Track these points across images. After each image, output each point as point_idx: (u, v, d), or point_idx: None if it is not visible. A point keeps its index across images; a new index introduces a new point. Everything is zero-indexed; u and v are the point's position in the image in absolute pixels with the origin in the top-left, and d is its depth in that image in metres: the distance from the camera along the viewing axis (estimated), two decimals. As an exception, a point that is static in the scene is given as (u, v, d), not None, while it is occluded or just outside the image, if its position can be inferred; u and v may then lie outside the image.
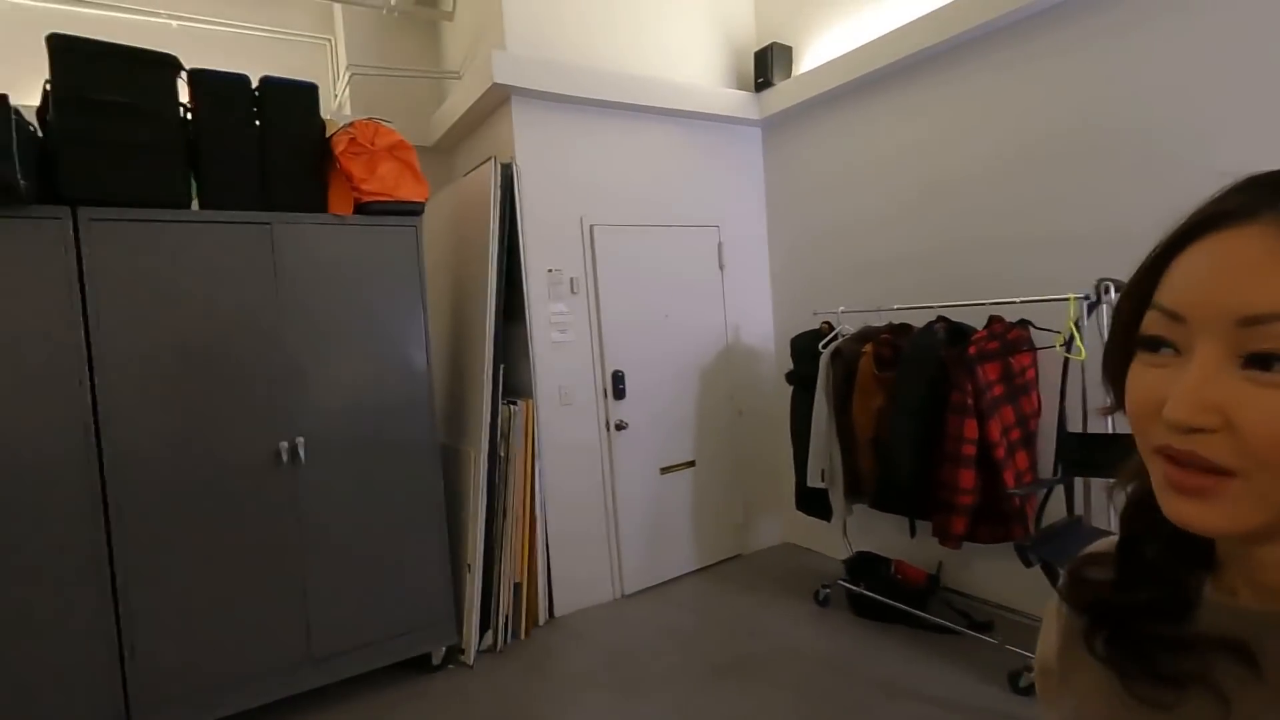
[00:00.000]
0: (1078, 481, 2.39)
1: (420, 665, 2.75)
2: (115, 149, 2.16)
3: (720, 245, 3.70)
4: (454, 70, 3.67)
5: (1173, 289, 0.39)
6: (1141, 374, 0.41)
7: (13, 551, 2.04)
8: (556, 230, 3.17)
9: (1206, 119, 2.19)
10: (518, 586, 2.97)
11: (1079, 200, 2.53)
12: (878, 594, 2.89)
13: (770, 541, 3.92)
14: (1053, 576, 2.17)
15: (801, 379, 3.12)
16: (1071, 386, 2.35)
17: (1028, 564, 2.16)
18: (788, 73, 3.64)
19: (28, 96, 2.24)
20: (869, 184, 3.31)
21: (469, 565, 2.83)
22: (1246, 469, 0.36)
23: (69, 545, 2.11)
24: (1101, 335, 2.21)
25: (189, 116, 2.33)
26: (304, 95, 2.51)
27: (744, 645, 2.83)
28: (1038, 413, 2.61)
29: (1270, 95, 2.05)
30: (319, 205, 2.53)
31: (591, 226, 3.26)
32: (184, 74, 2.31)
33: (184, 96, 2.33)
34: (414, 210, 2.66)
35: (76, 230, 2.12)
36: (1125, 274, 0.45)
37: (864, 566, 3.12)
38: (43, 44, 2.10)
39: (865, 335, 2.92)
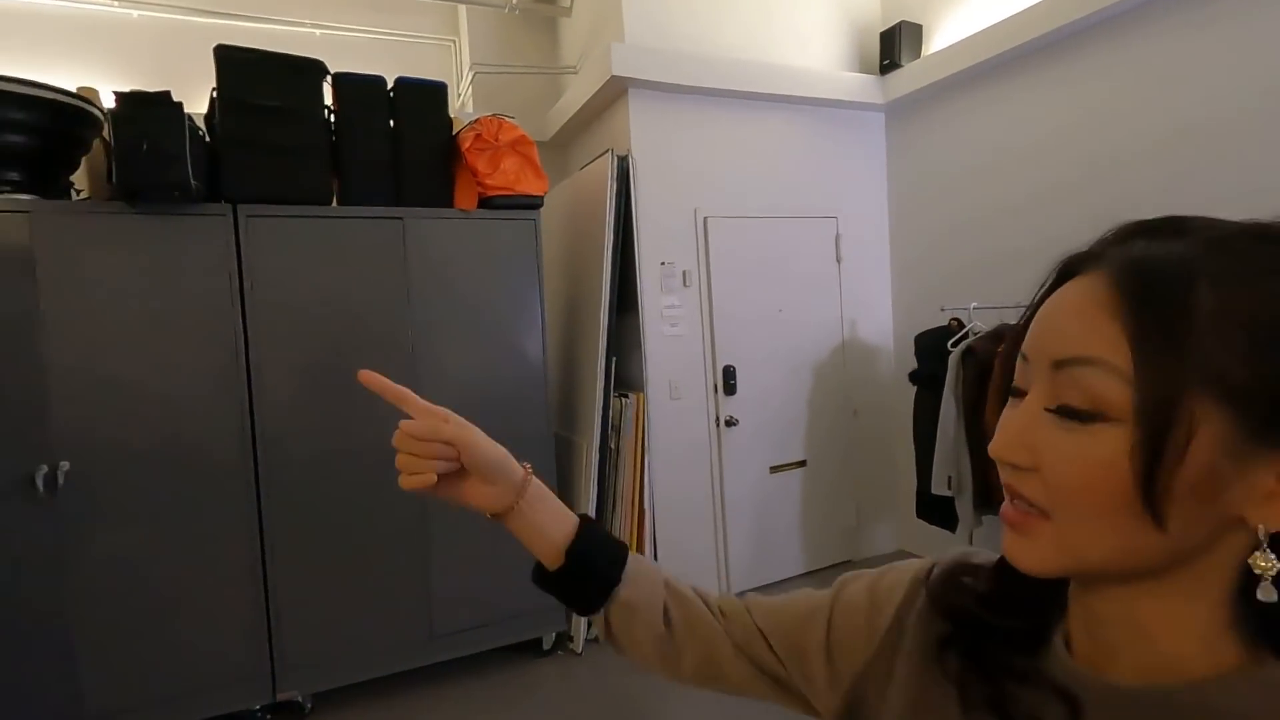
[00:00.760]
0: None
1: (532, 649, 2.82)
2: (270, 150, 2.33)
3: (838, 237, 3.54)
4: (571, 65, 3.71)
5: (1029, 334, 0.40)
6: (1004, 414, 0.41)
7: (178, 511, 2.26)
8: (670, 223, 3.15)
9: None
10: (625, 578, 2.98)
11: (1272, 175, 2.21)
12: (1009, 613, 2.68)
13: (884, 548, 3.74)
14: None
15: (927, 379, 2.94)
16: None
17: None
18: (917, 53, 3.42)
19: (198, 105, 2.46)
20: (1010, 168, 3.06)
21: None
22: (1053, 510, 0.37)
23: (225, 514, 2.31)
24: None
25: (332, 118, 2.48)
26: (434, 94, 2.61)
27: (858, 656, 2.70)
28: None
29: None
30: (446, 200, 2.63)
31: (705, 219, 3.20)
32: (329, 78, 2.46)
33: (329, 99, 2.48)
34: (534, 204, 2.71)
35: (237, 226, 2.31)
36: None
37: (992, 582, 2.90)
38: (210, 56, 2.30)
39: (1002, 334, 2.70)
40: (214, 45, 2.30)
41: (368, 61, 2.67)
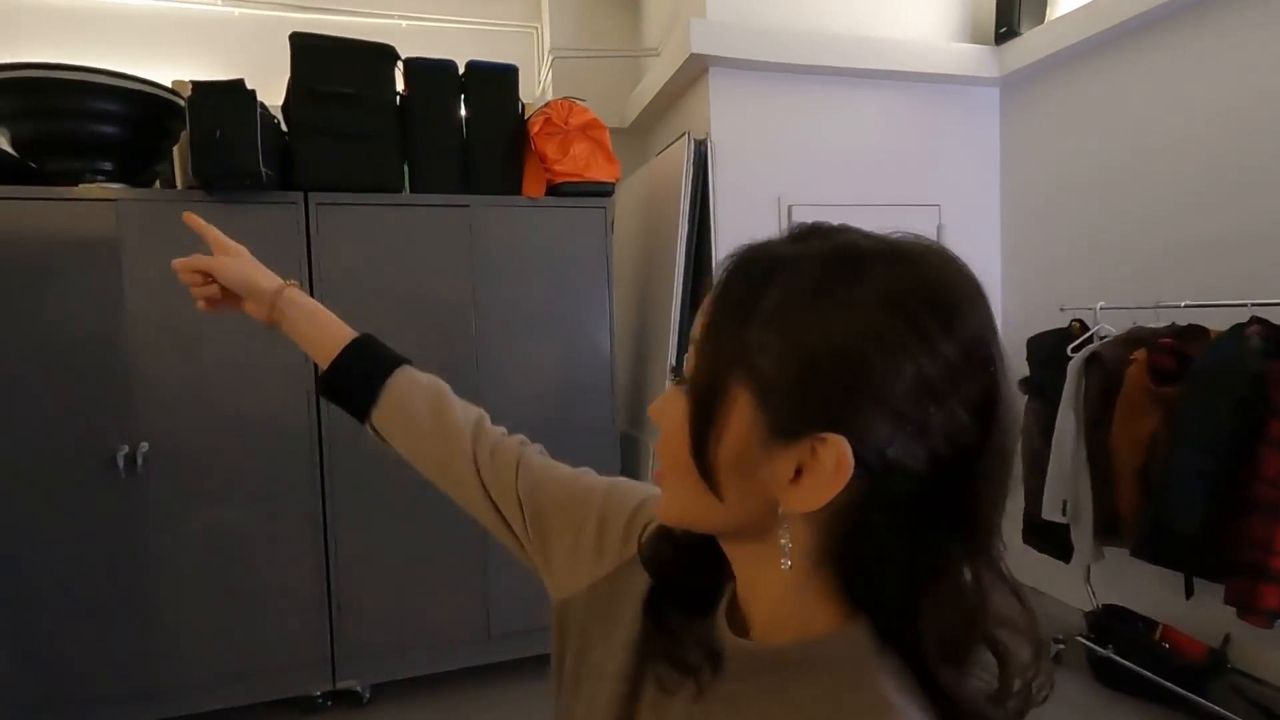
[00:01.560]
0: None
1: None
2: (340, 137, 2.31)
3: (940, 228, 3.21)
4: (653, 47, 3.55)
5: None
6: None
7: (249, 496, 2.30)
8: (751, 211, 2.93)
9: None
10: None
11: None
12: (1135, 663, 2.31)
13: (983, 572, 3.37)
14: None
15: (1040, 387, 2.59)
16: None
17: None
18: (1040, 17, 3.03)
19: (279, 96, 2.48)
20: (1151, 153, 2.63)
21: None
22: (665, 460, 0.42)
23: (292, 501, 2.33)
24: None
25: (402, 104, 2.44)
26: (504, 78, 2.52)
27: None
28: None
29: None
30: (514, 187, 2.54)
31: (790, 207, 2.97)
32: (400, 63, 2.42)
33: (401, 85, 2.44)
34: (604, 191, 2.58)
35: (307, 214, 2.31)
36: None
37: (1115, 625, 2.52)
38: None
39: (1136, 339, 2.32)
40: (289, 34, 2.30)
41: (451, 51, 2.60)
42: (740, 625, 0.44)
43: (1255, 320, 2.06)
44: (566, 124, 2.50)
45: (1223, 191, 2.40)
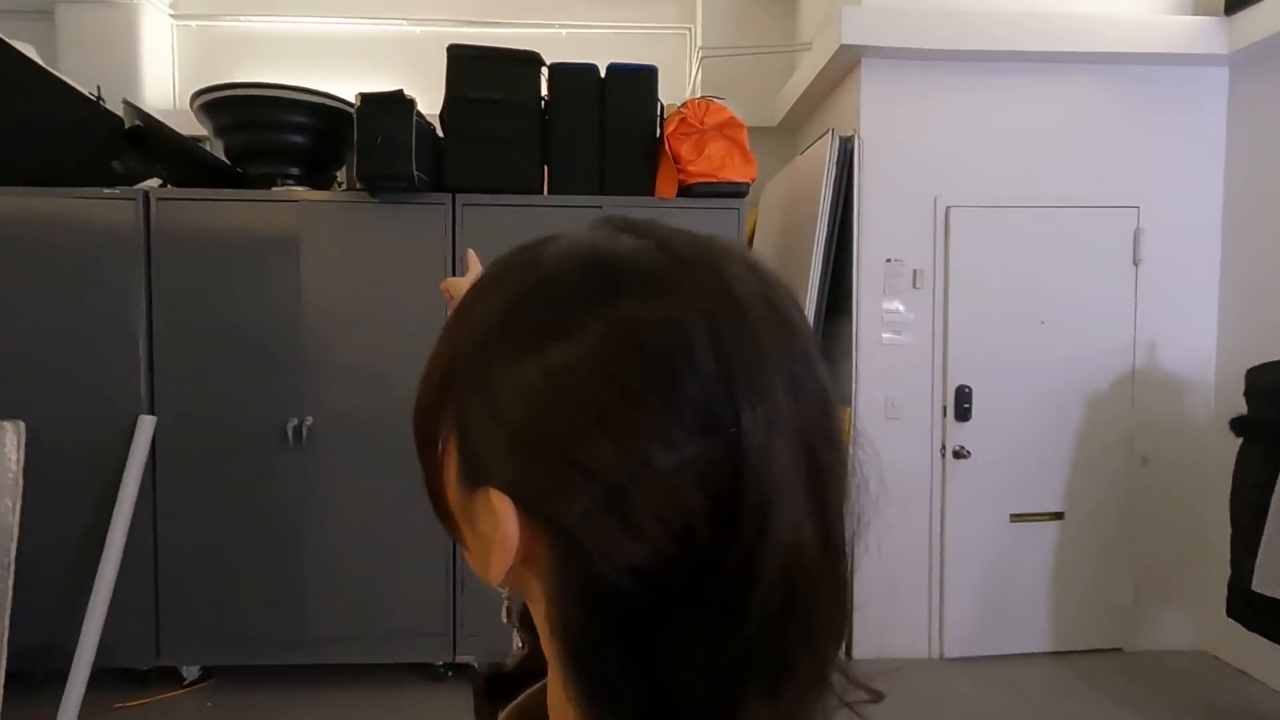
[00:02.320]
0: None
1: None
2: (487, 141, 2.44)
3: (1138, 232, 2.74)
4: (807, 41, 3.39)
5: None
6: None
7: (395, 473, 2.50)
8: (901, 213, 2.69)
9: None
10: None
11: None
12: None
13: (1175, 643, 2.84)
14: None
15: (1261, 429, 2.12)
16: None
17: None
18: (1290, -21, 2.48)
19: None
20: None
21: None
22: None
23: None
24: None
25: (545, 108, 2.53)
26: (643, 79, 2.52)
27: (1110, 783, 2.06)
28: None
29: None
30: (647, 188, 2.53)
31: (948, 209, 2.69)
32: (544, 69, 2.50)
33: (545, 91, 2.53)
34: (738, 191, 2.50)
35: (454, 214, 2.46)
36: None
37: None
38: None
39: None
40: (447, 45, 2.47)
41: (608, 56, 2.66)
42: None
43: None
44: (702, 123, 2.45)
45: None
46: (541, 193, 2.55)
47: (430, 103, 2.48)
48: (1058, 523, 2.79)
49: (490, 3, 3.75)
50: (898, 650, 2.74)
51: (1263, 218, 2.62)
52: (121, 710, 2.35)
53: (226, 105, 2.45)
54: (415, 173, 2.31)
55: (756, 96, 3.53)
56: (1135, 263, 2.75)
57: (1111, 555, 2.80)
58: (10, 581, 2.16)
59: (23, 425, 2.25)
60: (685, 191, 2.48)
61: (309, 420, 2.45)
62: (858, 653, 2.73)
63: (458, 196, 2.46)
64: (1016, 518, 2.77)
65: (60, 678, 2.19)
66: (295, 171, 2.56)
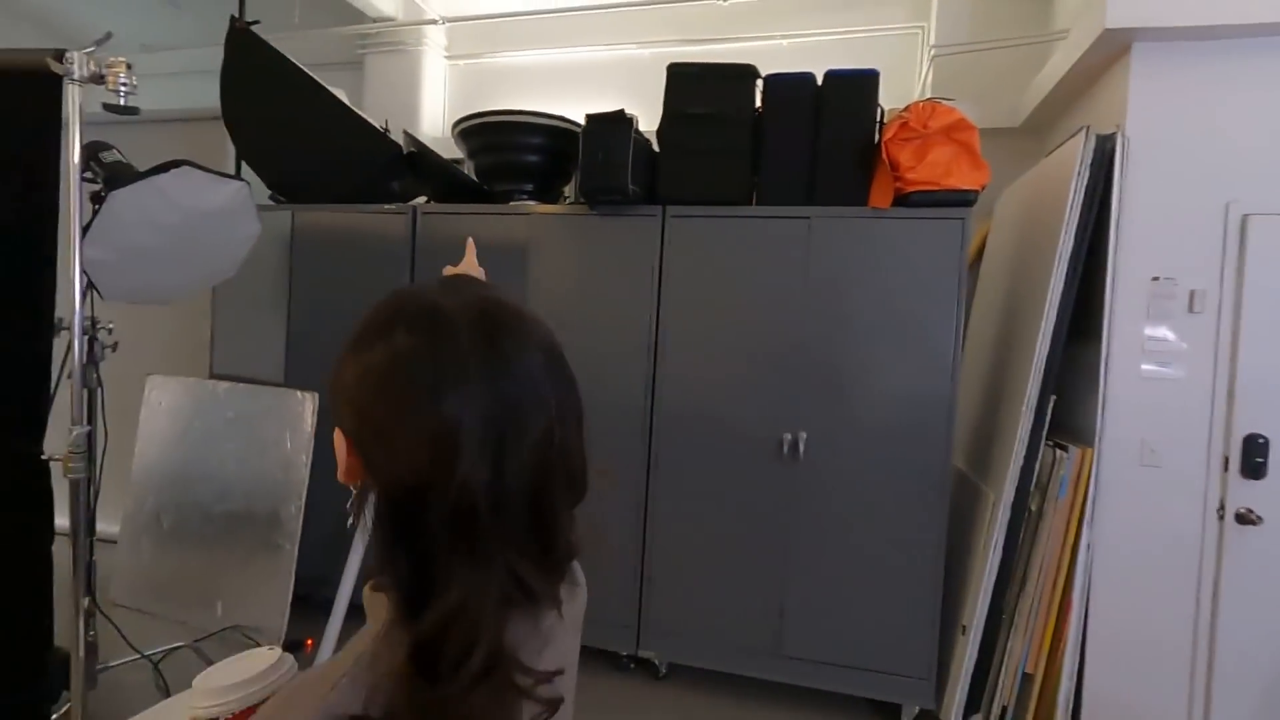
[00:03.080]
0: None
1: (889, 714, 2.45)
2: (699, 154, 2.51)
3: None
4: (1060, 30, 2.99)
5: None
6: None
7: (598, 459, 2.66)
8: (1176, 223, 2.26)
9: None
10: (1027, 677, 2.32)
11: None
12: None
13: None
14: None
15: None
16: None
17: None
18: None
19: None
20: None
21: (964, 627, 2.35)
22: None
23: (628, 478, 2.63)
24: None
25: (758, 120, 2.53)
26: (861, 85, 2.42)
27: None
28: None
29: None
30: (859, 198, 2.42)
31: (1244, 217, 2.20)
32: (759, 81, 2.51)
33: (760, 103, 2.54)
34: (963, 200, 2.29)
35: (664, 225, 2.57)
36: None
37: None
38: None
39: None
40: (668, 64, 2.59)
41: (830, 63, 2.59)
42: None
43: None
44: (925, 127, 2.28)
45: None
46: (750, 203, 2.56)
47: (653, 119, 2.62)
48: (1398, 625, 2.13)
49: (714, 20, 3.84)
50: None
51: None
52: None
53: (477, 131, 2.82)
54: (630, 186, 2.45)
55: (996, 96, 3.20)
56: None
57: None
58: (300, 521, 2.68)
59: (317, 396, 2.79)
60: (902, 201, 2.32)
61: (526, 411, 2.72)
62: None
63: (668, 208, 2.56)
64: (1329, 609, 2.17)
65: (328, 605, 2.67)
66: (529, 188, 2.85)
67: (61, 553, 1.67)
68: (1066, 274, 2.27)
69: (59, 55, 1.49)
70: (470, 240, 1.01)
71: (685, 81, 2.53)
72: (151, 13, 4.31)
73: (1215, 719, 2.23)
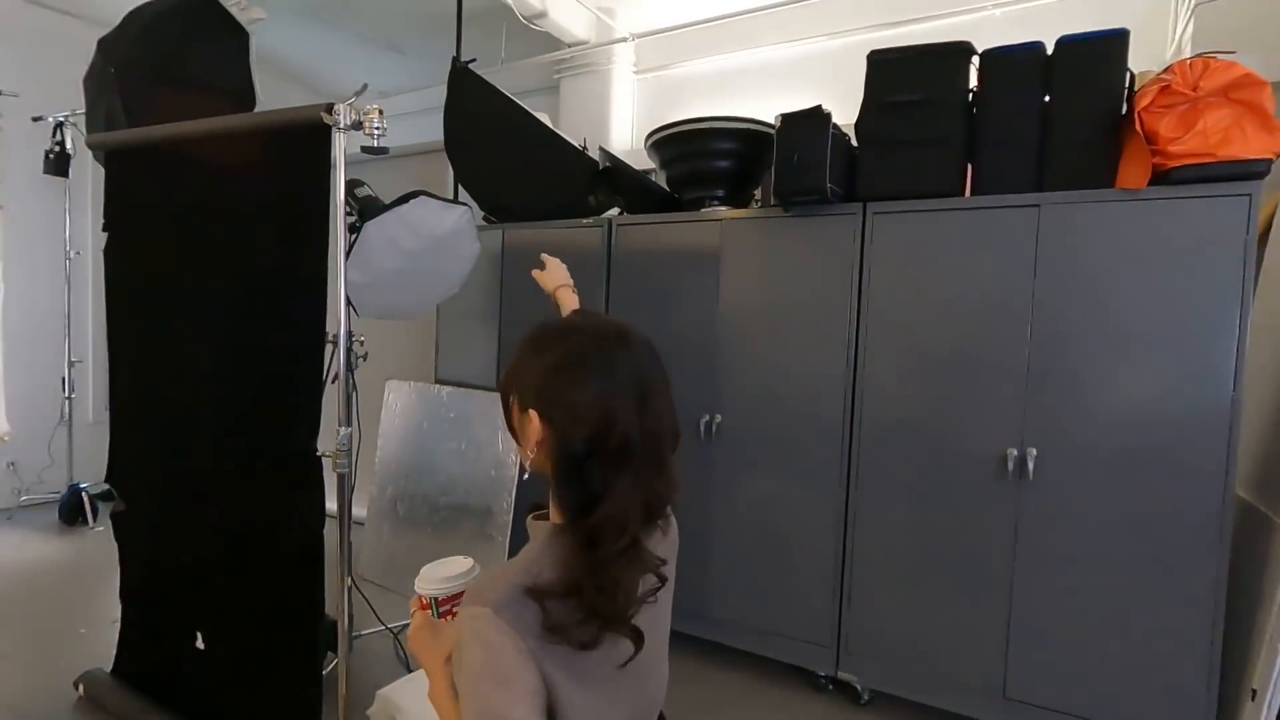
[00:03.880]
0: None
1: (1145, 780, 2.09)
2: (903, 146, 2.34)
3: None
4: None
5: None
6: None
7: (789, 471, 2.59)
8: None
9: None
10: (1349, 765, 1.85)
11: None
12: None
13: None
14: None
15: None
16: None
17: None
18: None
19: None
20: None
21: (1253, 691, 1.93)
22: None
23: (820, 484, 2.52)
24: None
25: (975, 103, 2.30)
26: (1106, 48, 2.09)
27: None
28: None
29: None
30: (1103, 178, 2.10)
31: None
32: (974, 59, 2.28)
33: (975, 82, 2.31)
34: (1248, 172, 1.89)
35: (864, 224, 2.42)
36: None
37: None
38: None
39: None
40: (868, 52, 2.43)
41: (1057, 29, 2.28)
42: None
43: None
44: (1195, 89, 1.92)
45: None
46: (960, 194, 2.33)
47: (847, 113, 2.48)
48: None
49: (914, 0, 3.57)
50: None
51: None
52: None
53: (669, 141, 2.86)
54: (828, 185, 2.34)
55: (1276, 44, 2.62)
56: None
57: None
58: (510, 515, 2.90)
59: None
60: (1162, 179, 1.97)
61: (718, 418, 2.70)
62: None
63: (869, 205, 2.41)
64: None
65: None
66: (720, 193, 2.84)
67: (327, 534, 1.95)
68: None
69: (329, 108, 1.74)
70: (545, 256, 1.36)
71: (888, 68, 2.36)
72: (381, 61, 4.96)
73: None
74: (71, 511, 4.18)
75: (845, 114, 2.48)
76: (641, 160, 3.20)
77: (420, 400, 3.42)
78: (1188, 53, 2.85)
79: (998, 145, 2.24)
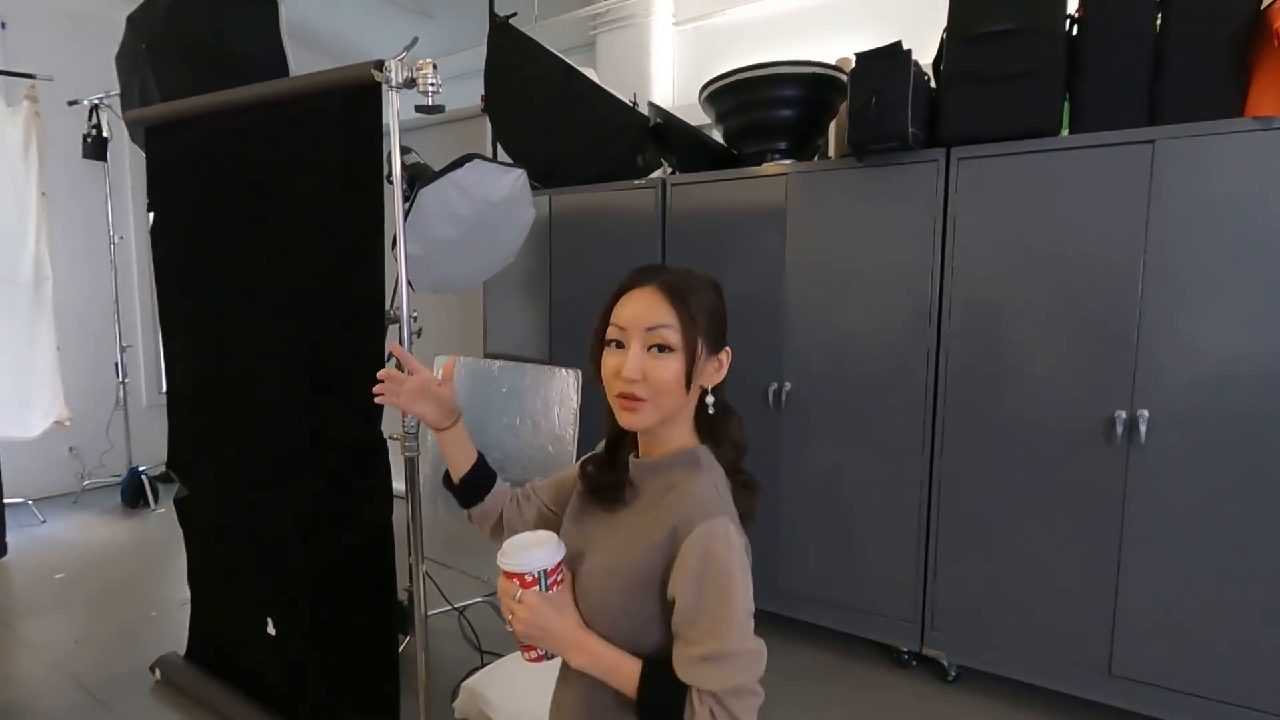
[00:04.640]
0: None
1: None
2: (992, 83, 2.12)
3: None
4: None
5: (620, 316, 0.84)
6: (608, 358, 0.84)
7: (868, 440, 2.45)
8: None
9: None
10: None
11: None
12: None
13: None
14: None
15: None
16: None
17: None
18: None
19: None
20: None
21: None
22: (652, 397, 0.82)
23: (903, 452, 2.37)
24: None
25: (1075, 29, 2.07)
26: (1235, -45, 1.85)
27: None
28: None
29: None
30: (1229, 107, 1.87)
31: None
32: (1077, -21, 2.05)
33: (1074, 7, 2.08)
34: None
35: (947, 171, 2.23)
36: None
37: None
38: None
39: None
40: (949, -20, 2.21)
41: None
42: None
43: None
44: (1347, -3, 1.68)
45: None
46: (1057, 133, 2.11)
47: (921, 52, 2.27)
48: None
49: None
50: None
51: None
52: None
53: (725, 92, 2.67)
54: (910, 129, 2.14)
55: None
56: None
57: None
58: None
59: (579, 373, 2.89)
60: (1305, 103, 1.75)
61: (787, 386, 2.57)
62: None
63: (953, 150, 2.21)
64: None
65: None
66: (783, 146, 2.66)
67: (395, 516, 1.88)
68: None
69: (379, 65, 1.60)
70: (448, 363, 1.12)
71: (974, -5, 2.14)
72: (408, 26, 4.79)
73: None
74: (133, 494, 4.24)
75: (921, 53, 2.26)
76: (686, 117, 3.02)
77: (471, 375, 3.33)
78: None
79: (1102, 75, 2.02)
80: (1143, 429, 1.97)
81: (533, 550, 0.83)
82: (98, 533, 3.89)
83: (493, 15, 2.84)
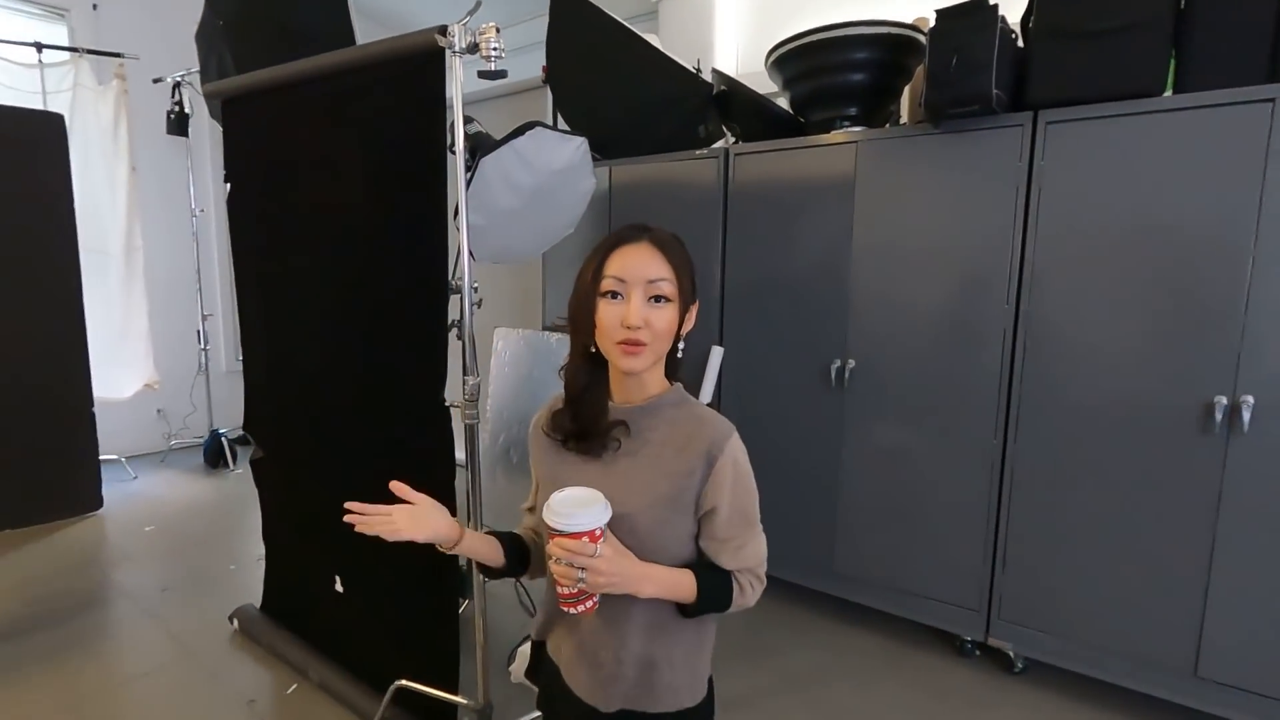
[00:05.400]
0: None
1: (1376, 777, 1.80)
2: (1089, 38, 1.96)
3: None
4: None
5: (616, 268, 0.91)
6: (607, 308, 0.91)
7: (936, 417, 2.35)
8: None
9: None
10: None
11: None
12: None
13: None
14: None
15: None
16: None
17: None
18: None
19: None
20: None
21: None
22: (651, 342, 0.90)
23: (973, 435, 2.27)
24: None
25: (1185, -23, 1.89)
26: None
27: None
28: None
29: None
30: (1367, 61, 1.67)
31: None
32: (1190, -80, 1.85)
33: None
34: None
35: (1034, 137, 2.08)
36: None
37: None
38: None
39: None
40: (1043, -72, 2.04)
41: None
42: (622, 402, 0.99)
43: None
44: None
45: None
46: (1161, 93, 1.94)
47: (1014, 8, 2.11)
48: None
49: None
50: None
51: None
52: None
53: (793, 56, 2.56)
54: (994, 91, 2.01)
55: None
56: None
57: None
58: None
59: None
60: None
61: (850, 363, 2.48)
62: None
63: (1041, 114, 2.06)
64: None
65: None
66: (852, 112, 2.54)
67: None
68: None
69: (442, 30, 1.59)
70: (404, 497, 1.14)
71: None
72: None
73: None
74: (214, 455, 4.48)
75: (1003, 10, 2.11)
76: (751, 84, 2.91)
77: (529, 348, 3.36)
78: None
79: (1217, 27, 1.83)
80: (1245, 416, 1.81)
81: (593, 506, 0.88)
82: (182, 490, 4.13)
83: (555, -18, 2.80)
